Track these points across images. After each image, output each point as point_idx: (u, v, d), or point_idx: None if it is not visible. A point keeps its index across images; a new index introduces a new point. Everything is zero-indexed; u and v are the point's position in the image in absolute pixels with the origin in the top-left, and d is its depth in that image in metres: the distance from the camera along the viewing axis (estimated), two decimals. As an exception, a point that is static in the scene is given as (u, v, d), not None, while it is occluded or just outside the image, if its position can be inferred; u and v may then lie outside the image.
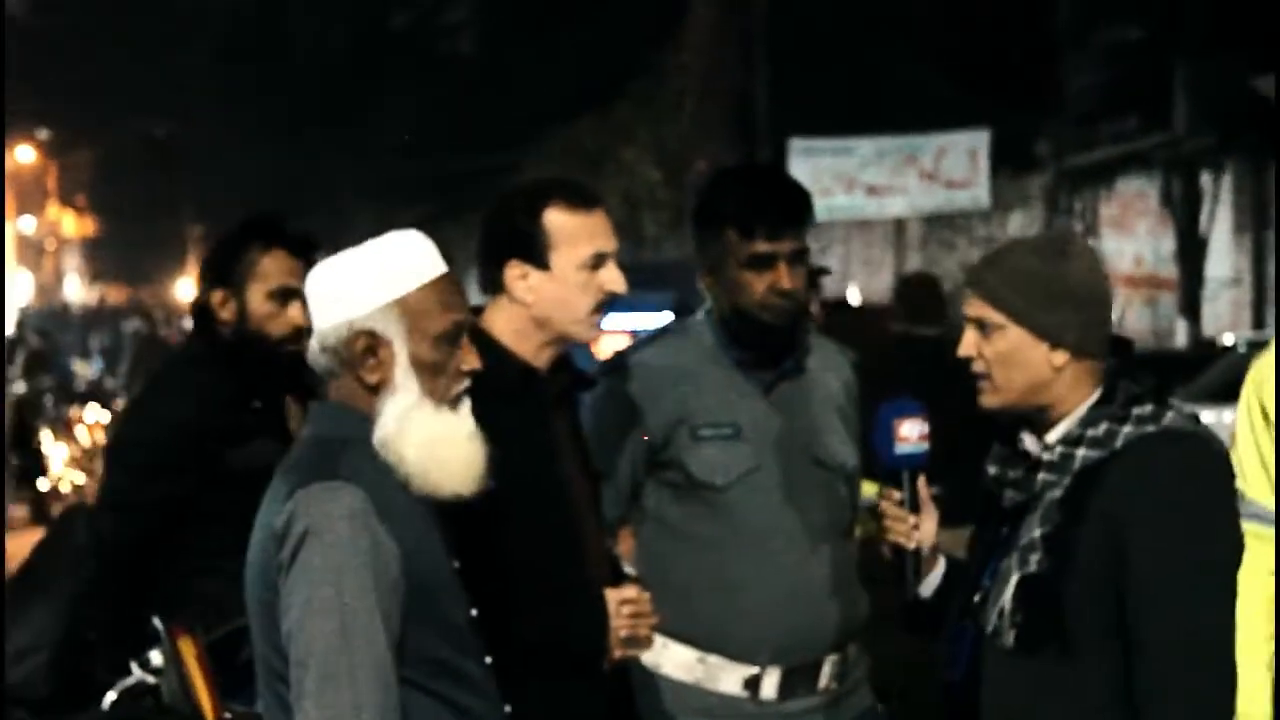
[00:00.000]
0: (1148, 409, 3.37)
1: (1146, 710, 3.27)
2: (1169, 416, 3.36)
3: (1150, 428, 3.35)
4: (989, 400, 3.44)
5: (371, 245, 3.24)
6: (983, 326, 3.43)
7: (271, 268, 4.59)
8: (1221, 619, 3.31)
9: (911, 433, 3.65)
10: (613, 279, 3.77)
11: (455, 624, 3.18)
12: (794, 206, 4.21)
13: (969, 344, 3.43)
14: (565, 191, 3.81)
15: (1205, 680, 3.27)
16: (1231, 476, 3.41)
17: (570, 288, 3.72)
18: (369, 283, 3.20)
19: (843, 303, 17.23)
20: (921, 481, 3.65)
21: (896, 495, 3.64)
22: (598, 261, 3.75)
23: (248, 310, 4.60)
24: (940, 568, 3.66)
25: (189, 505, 4.60)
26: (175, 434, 4.62)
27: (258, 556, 3.14)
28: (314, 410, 3.28)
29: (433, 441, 3.19)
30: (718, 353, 4.25)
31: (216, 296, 4.64)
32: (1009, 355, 3.41)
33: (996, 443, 3.54)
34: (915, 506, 3.63)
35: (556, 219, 3.75)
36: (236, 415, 4.56)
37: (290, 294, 4.52)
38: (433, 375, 3.21)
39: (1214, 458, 3.37)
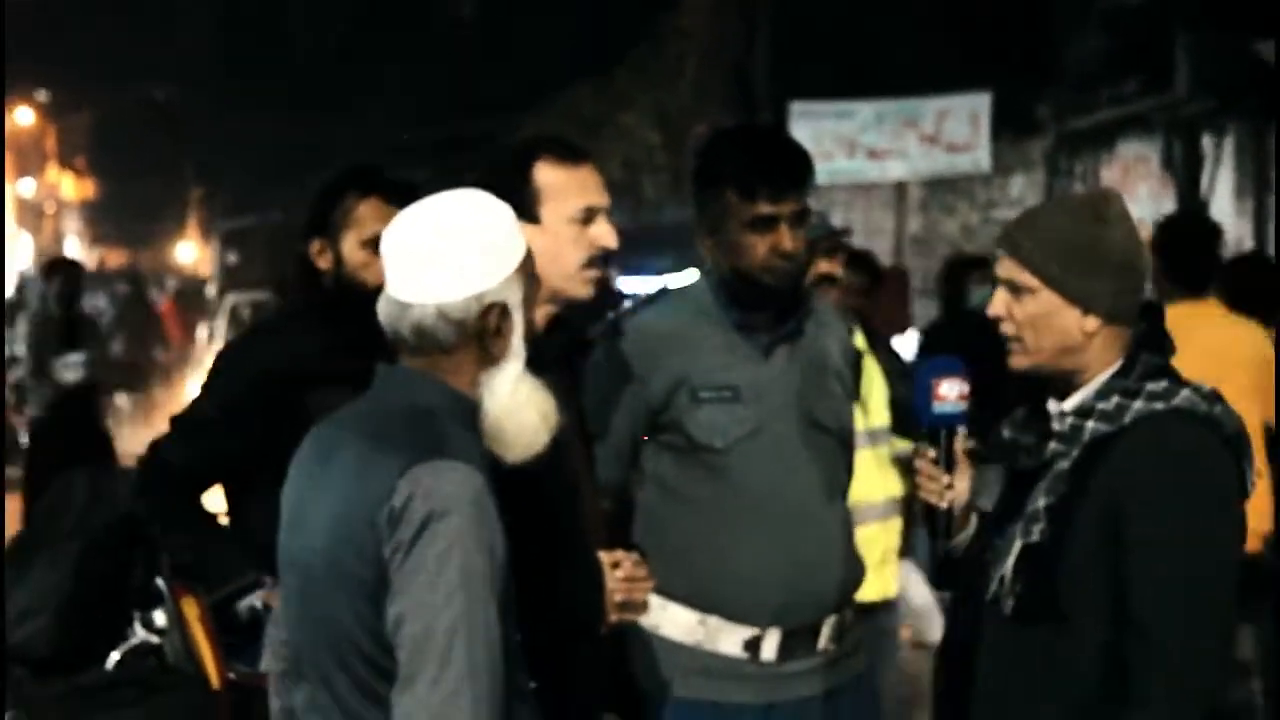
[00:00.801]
0: (1161, 385, 3.36)
1: (1135, 687, 3.28)
2: (1182, 395, 3.35)
3: (1159, 405, 3.34)
4: (1018, 362, 3.45)
5: (463, 208, 3.18)
6: (1014, 288, 3.43)
7: (366, 215, 4.54)
8: (1215, 603, 3.29)
9: (950, 392, 3.67)
10: (603, 234, 3.77)
11: (511, 599, 3.15)
12: (795, 167, 4.21)
13: (999, 305, 3.44)
14: (553, 147, 3.82)
15: (1195, 663, 3.26)
16: (1239, 459, 3.37)
17: (561, 241, 3.72)
18: (496, 252, 3.16)
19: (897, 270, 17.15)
20: (958, 440, 3.67)
21: (931, 454, 3.66)
22: (588, 216, 3.75)
23: (343, 258, 4.56)
24: (973, 525, 3.67)
25: (267, 452, 4.53)
26: (257, 381, 4.58)
27: (352, 531, 3.06)
28: (390, 375, 3.22)
29: (530, 406, 3.19)
30: (717, 315, 4.25)
31: (315, 246, 4.59)
32: (1040, 319, 3.40)
33: (1018, 406, 3.55)
34: (950, 465, 3.65)
35: (545, 173, 3.76)
36: (324, 364, 4.48)
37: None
38: (527, 340, 3.22)
39: (1222, 439, 3.35)
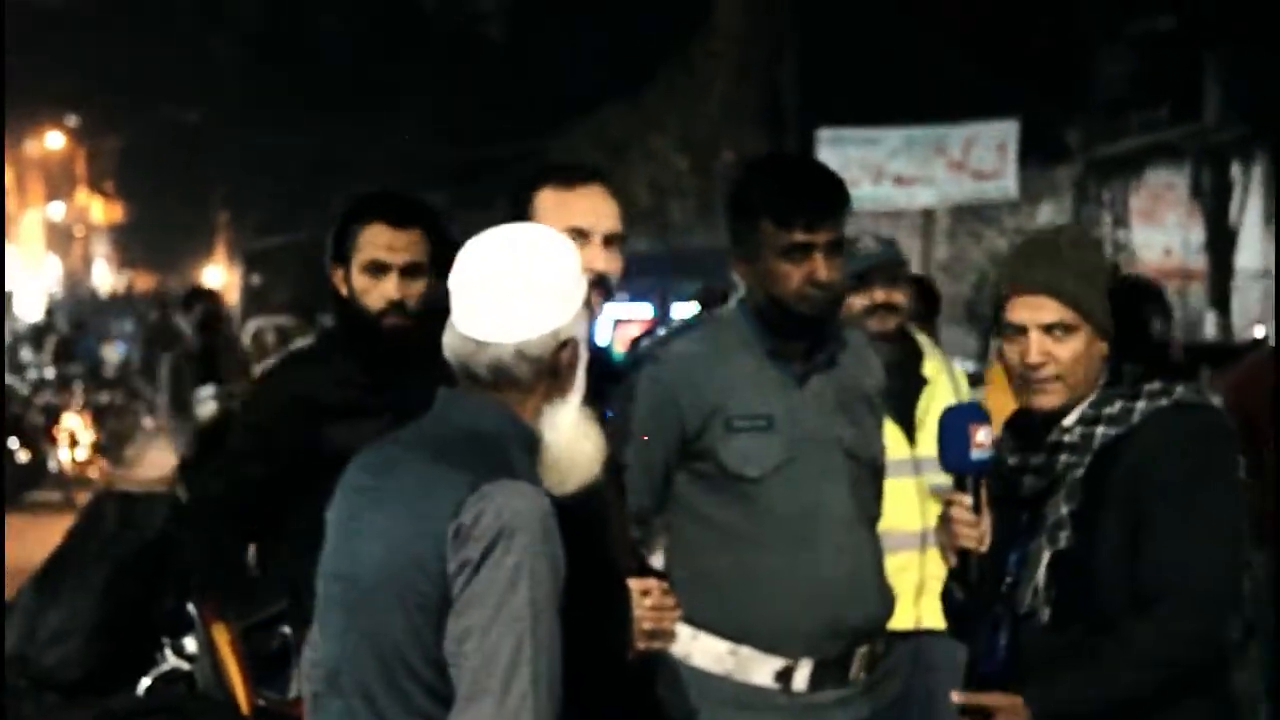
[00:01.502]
0: (1156, 385, 3.49)
1: (1138, 621, 3.39)
2: (1178, 391, 3.48)
3: (1163, 401, 3.46)
4: (1055, 401, 3.49)
5: (535, 245, 3.20)
6: (1059, 328, 3.46)
7: (367, 241, 4.55)
8: (1231, 581, 3.44)
9: (986, 439, 3.64)
10: (591, 257, 3.74)
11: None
12: (830, 197, 4.20)
13: (1043, 350, 3.46)
14: (559, 172, 3.83)
15: (1214, 618, 3.41)
16: (1238, 448, 3.50)
17: None
18: (569, 289, 3.19)
19: None
20: (984, 486, 3.65)
21: (968, 500, 3.63)
22: (575, 237, 3.69)
23: (353, 286, 4.58)
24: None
25: (290, 482, 4.52)
26: (283, 410, 4.60)
27: (414, 546, 3.06)
28: (453, 400, 3.22)
29: (588, 439, 3.23)
30: (751, 343, 4.25)
31: (337, 275, 4.61)
32: (1082, 354, 3.47)
33: (1007, 434, 3.60)
34: (979, 510, 3.63)
35: (542, 199, 3.77)
36: (344, 393, 4.50)
37: (382, 268, 4.49)
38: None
39: (1224, 427, 3.50)
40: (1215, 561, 3.39)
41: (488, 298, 3.15)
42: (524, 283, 3.15)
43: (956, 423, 3.66)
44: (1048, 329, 3.47)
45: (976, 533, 3.61)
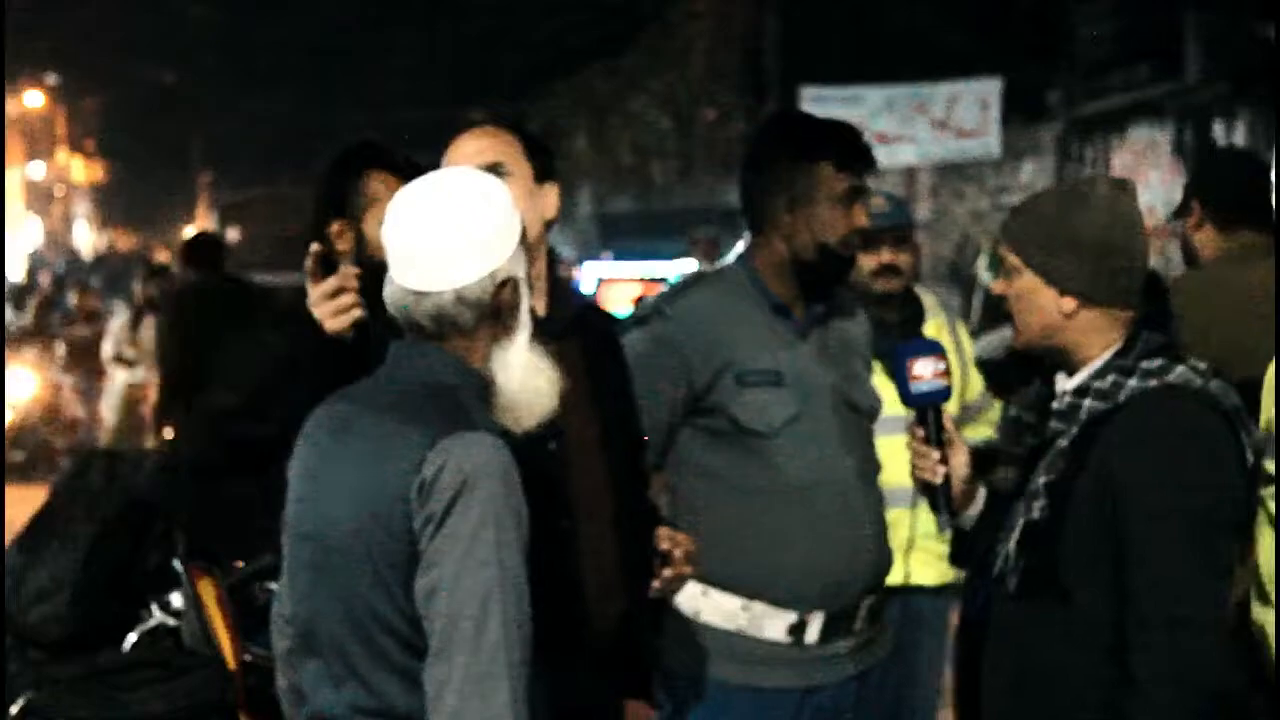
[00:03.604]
0: (1156, 363, 3.43)
1: (1132, 660, 3.31)
2: (1177, 371, 3.41)
3: (1153, 383, 3.40)
4: (1016, 340, 3.57)
5: (463, 189, 3.19)
6: (1007, 269, 3.55)
7: (385, 193, 4.50)
8: (1206, 572, 3.33)
9: (925, 370, 3.77)
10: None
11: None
12: (868, 149, 4.25)
13: (1000, 285, 3.57)
14: (467, 123, 3.82)
15: (1186, 634, 3.29)
16: (1235, 433, 3.42)
17: None
18: (502, 228, 3.18)
19: None
20: (946, 417, 3.74)
21: (920, 433, 3.73)
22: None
23: (365, 239, 4.52)
24: (980, 500, 3.74)
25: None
26: (273, 367, 4.57)
27: (378, 505, 3.08)
28: (404, 352, 3.23)
29: (539, 374, 3.23)
30: (755, 298, 4.25)
31: (334, 228, 4.54)
32: (1024, 298, 3.52)
33: (1027, 387, 3.63)
34: (940, 441, 3.71)
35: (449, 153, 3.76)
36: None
37: None
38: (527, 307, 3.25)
39: (1216, 414, 3.40)
40: (1192, 601, 3.30)
41: (420, 247, 3.15)
42: (455, 227, 3.15)
43: (898, 359, 3.78)
44: (1004, 267, 3.56)
45: (929, 464, 3.70)
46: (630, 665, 3.92)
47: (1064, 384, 3.53)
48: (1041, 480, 3.46)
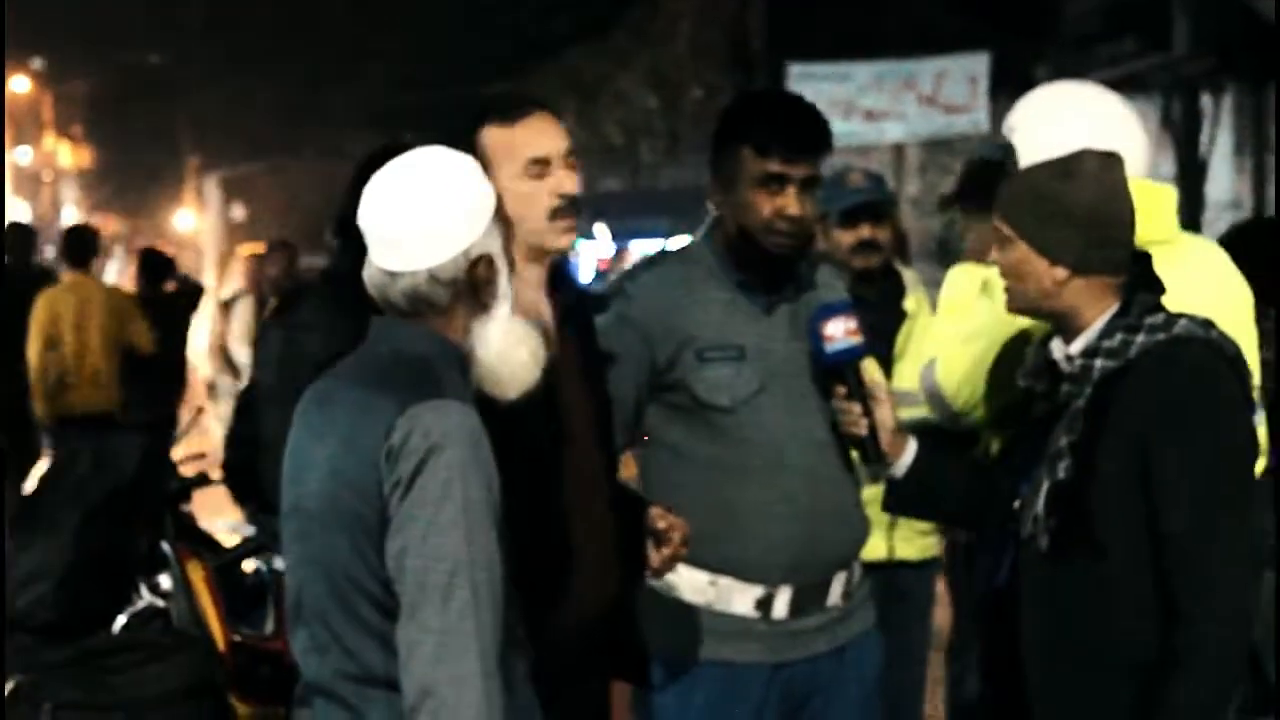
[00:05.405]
0: (1159, 318, 3.54)
1: (1180, 601, 3.43)
2: (1180, 324, 3.53)
3: (1161, 336, 3.51)
4: (1008, 307, 3.69)
5: (432, 169, 3.23)
6: (1000, 239, 3.63)
7: None
8: (1241, 511, 3.47)
9: (836, 330, 4.00)
10: (560, 182, 3.74)
11: (504, 536, 3.20)
12: (811, 133, 4.21)
13: (994, 254, 3.66)
14: (496, 107, 3.80)
15: (1233, 569, 3.43)
16: (1240, 378, 3.56)
17: (518, 200, 3.66)
18: (472, 206, 3.23)
19: None
20: (866, 370, 4.00)
21: (842, 390, 3.99)
22: (538, 168, 3.71)
23: None
24: (910, 449, 3.95)
25: None
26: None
27: (351, 471, 3.13)
28: (383, 328, 3.27)
29: (521, 345, 3.27)
30: (719, 274, 4.25)
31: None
32: (1016, 267, 3.61)
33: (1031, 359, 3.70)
34: (861, 396, 3.96)
35: (489, 137, 3.75)
36: None
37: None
38: (510, 280, 3.28)
39: (1223, 360, 3.54)
40: (1230, 539, 3.42)
41: (393, 228, 3.19)
42: (425, 208, 3.19)
43: (811, 323, 4.01)
44: (997, 237, 3.65)
45: (853, 417, 3.96)
46: (623, 646, 3.94)
47: (1064, 349, 3.60)
48: (1064, 441, 3.54)
